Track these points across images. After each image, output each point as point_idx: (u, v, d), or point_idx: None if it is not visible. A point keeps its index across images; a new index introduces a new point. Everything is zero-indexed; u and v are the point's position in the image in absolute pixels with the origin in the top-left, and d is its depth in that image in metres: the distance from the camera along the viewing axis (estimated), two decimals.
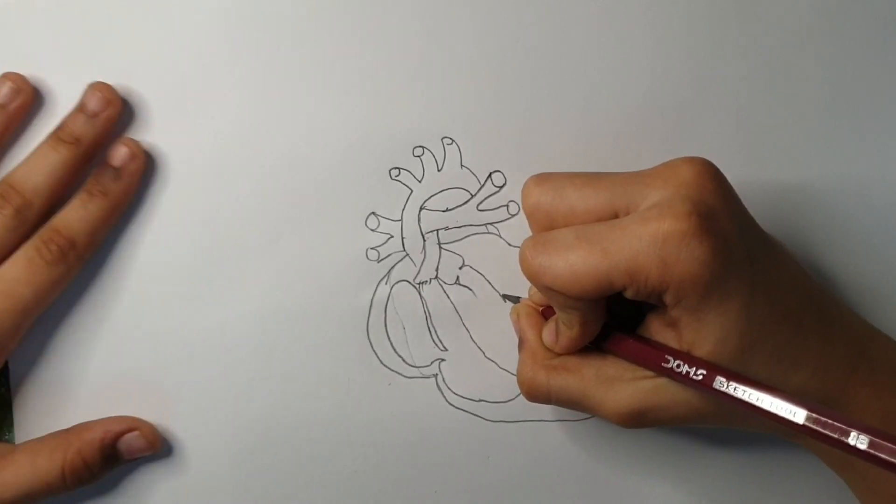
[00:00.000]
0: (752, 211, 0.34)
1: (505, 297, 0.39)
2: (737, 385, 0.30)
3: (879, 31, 0.39)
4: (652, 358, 0.33)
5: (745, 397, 0.30)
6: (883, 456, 0.26)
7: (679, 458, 0.40)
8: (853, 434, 0.27)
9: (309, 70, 0.38)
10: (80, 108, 0.36)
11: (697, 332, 0.32)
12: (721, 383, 0.30)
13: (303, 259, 0.39)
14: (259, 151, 0.38)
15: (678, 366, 0.32)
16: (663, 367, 0.32)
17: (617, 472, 0.40)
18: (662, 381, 0.33)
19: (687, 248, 0.30)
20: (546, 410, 0.39)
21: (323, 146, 0.39)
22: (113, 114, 0.36)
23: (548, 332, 0.36)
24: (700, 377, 0.31)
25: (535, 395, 0.36)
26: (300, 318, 0.39)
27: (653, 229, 0.30)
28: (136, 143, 0.37)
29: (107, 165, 0.37)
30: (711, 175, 0.32)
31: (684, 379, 0.31)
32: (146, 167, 0.38)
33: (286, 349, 0.39)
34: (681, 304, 0.31)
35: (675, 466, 0.40)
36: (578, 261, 0.31)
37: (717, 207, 0.31)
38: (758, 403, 0.30)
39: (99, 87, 0.36)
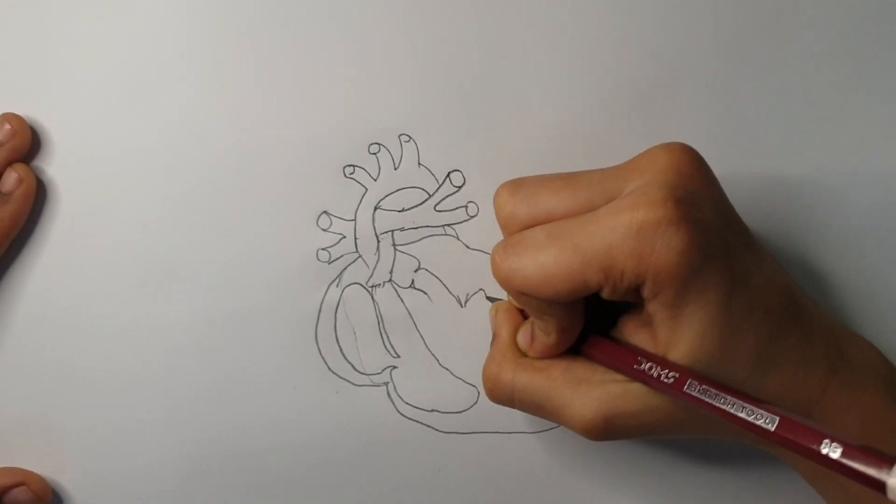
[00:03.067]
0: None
1: (489, 298, 0.37)
2: (708, 389, 0.29)
3: (864, 25, 0.38)
4: (624, 359, 0.31)
5: (717, 403, 0.28)
6: (855, 466, 0.25)
7: (643, 471, 0.38)
8: (825, 443, 0.26)
9: (261, 63, 0.37)
10: None
11: (674, 331, 0.30)
12: (692, 387, 0.29)
13: (250, 258, 0.37)
14: (208, 145, 0.37)
15: (650, 368, 0.30)
16: (635, 370, 0.30)
17: (575, 487, 0.38)
18: (633, 386, 0.31)
19: (662, 237, 0.28)
20: (501, 422, 0.37)
21: (274, 141, 0.37)
22: (19, 144, 0.37)
23: (523, 333, 0.34)
24: (671, 380, 0.29)
25: (498, 392, 0.33)
26: (245, 320, 0.37)
27: (626, 219, 0.29)
28: (26, 168, 0.37)
29: None
30: (690, 159, 0.30)
31: (656, 383, 0.30)
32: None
33: (229, 352, 0.37)
34: (657, 297, 0.29)
35: (638, 480, 0.38)
36: (549, 260, 0.29)
37: (696, 193, 0.30)
38: (730, 410, 0.28)
39: (8, 118, 0.37)
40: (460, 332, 0.37)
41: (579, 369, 0.32)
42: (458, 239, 0.38)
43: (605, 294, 0.30)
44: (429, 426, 0.38)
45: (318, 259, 0.37)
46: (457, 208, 0.38)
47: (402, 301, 0.38)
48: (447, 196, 0.38)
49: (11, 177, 0.36)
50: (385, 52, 0.37)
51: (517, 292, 0.31)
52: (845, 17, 0.38)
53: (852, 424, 0.31)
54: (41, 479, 0.37)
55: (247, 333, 0.37)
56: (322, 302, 0.37)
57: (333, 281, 0.38)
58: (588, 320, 0.33)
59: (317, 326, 0.37)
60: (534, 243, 0.30)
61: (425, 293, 0.38)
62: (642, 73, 0.38)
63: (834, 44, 0.38)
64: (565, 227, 0.30)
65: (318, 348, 0.37)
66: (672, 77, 0.38)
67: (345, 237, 0.38)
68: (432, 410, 0.38)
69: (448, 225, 0.38)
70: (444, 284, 0.38)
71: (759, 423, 0.27)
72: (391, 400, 0.38)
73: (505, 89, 0.37)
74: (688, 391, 0.29)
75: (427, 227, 0.38)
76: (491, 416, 0.37)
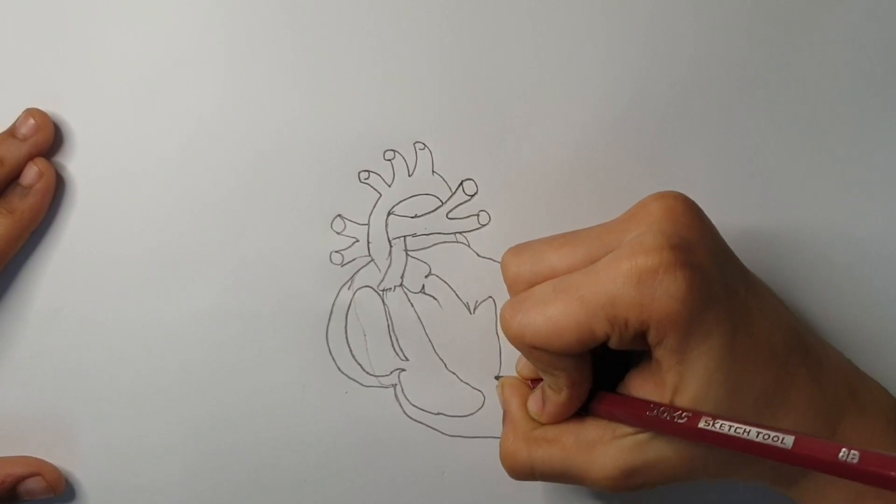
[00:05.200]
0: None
1: (497, 377, 0.38)
2: (722, 422, 0.29)
3: (867, 70, 0.38)
4: (635, 409, 0.31)
5: (733, 433, 0.29)
6: (875, 469, 0.26)
7: None
8: (843, 451, 0.26)
9: (280, 68, 0.38)
10: (11, 131, 0.37)
11: (681, 376, 0.30)
12: (707, 423, 0.29)
13: (264, 258, 0.38)
14: (226, 146, 0.38)
15: (662, 412, 0.30)
16: (647, 417, 0.31)
17: (577, 493, 0.39)
18: (646, 437, 0.31)
19: (661, 284, 0.29)
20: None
21: (291, 144, 0.38)
22: (41, 139, 0.37)
23: (533, 400, 0.34)
24: (685, 420, 0.30)
25: (518, 471, 0.34)
26: (257, 319, 0.38)
27: (626, 268, 0.29)
28: (46, 162, 0.37)
29: (16, 184, 0.37)
30: (684, 207, 0.31)
31: (669, 426, 0.30)
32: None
33: (240, 350, 0.38)
34: (662, 344, 0.30)
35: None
36: (557, 313, 0.30)
37: (691, 239, 0.30)
38: (746, 437, 0.28)
39: (32, 113, 0.37)
40: (468, 338, 0.38)
41: (590, 432, 0.33)
42: (469, 247, 0.38)
43: (613, 343, 0.30)
44: (434, 429, 0.38)
45: (331, 261, 0.38)
46: (468, 216, 0.38)
47: (412, 305, 0.38)
48: (460, 204, 0.38)
49: (32, 170, 0.37)
50: (403, 60, 0.38)
51: (529, 347, 0.31)
52: (850, 62, 0.38)
53: None
54: (55, 470, 0.37)
55: (259, 332, 0.38)
56: (334, 303, 0.38)
57: (345, 283, 0.38)
58: (595, 379, 0.33)
59: (328, 327, 0.38)
60: (541, 298, 0.31)
61: (435, 298, 0.38)
62: (655, 90, 0.38)
63: (833, 96, 0.38)
64: (570, 280, 0.31)
65: (329, 349, 0.38)
66: (684, 98, 0.38)
67: (358, 241, 0.38)
68: (438, 413, 0.38)
69: (459, 233, 0.38)
70: (453, 290, 0.38)
71: (776, 444, 0.28)
72: (398, 401, 0.38)
73: (520, 101, 0.38)
74: (702, 427, 0.29)
75: (439, 233, 0.38)
76: (496, 421, 0.38)
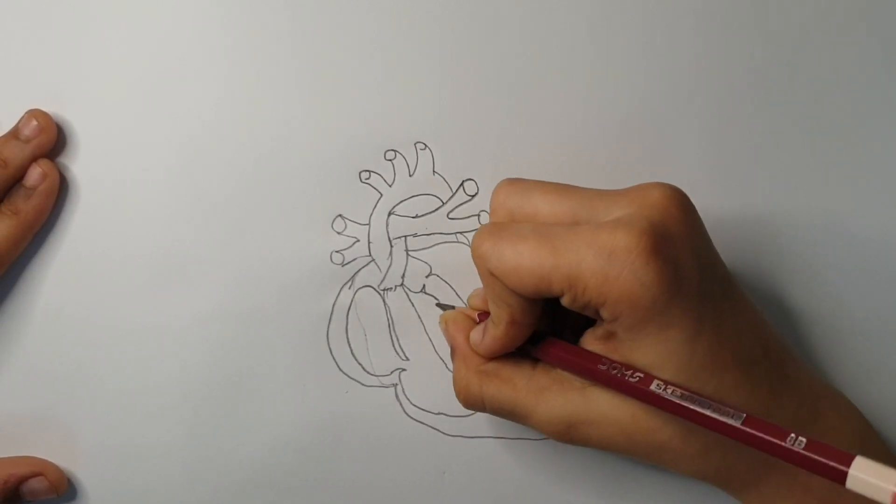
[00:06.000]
0: (718, 241, 0.33)
1: (439, 305, 0.38)
2: (675, 388, 0.29)
3: (861, 69, 0.38)
4: (588, 361, 0.31)
5: (683, 401, 0.29)
6: (818, 458, 0.26)
7: (645, 479, 0.39)
8: (791, 436, 0.26)
9: (281, 69, 0.38)
10: (14, 132, 0.37)
11: (633, 351, 0.31)
12: (659, 386, 0.29)
13: (264, 259, 0.38)
14: (227, 146, 0.38)
15: (614, 368, 0.30)
16: (599, 370, 0.31)
17: (577, 495, 0.39)
18: (594, 393, 0.32)
19: (631, 266, 0.29)
20: (506, 427, 0.38)
21: (292, 145, 0.38)
22: (45, 140, 0.37)
23: (476, 332, 0.35)
24: (636, 379, 0.30)
25: (470, 402, 0.35)
26: (258, 319, 0.38)
27: (603, 240, 0.29)
28: (50, 164, 0.37)
29: (20, 186, 0.37)
30: (679, 202, 0.31)
31: (620, 383, 0.30)
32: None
33: (241, 350, 0.38)
34: (618, 321, 0.30)
35: (641, 488, 0.39)
36: (526, 251, 0.30)
37: (676, 234, 0.30)
38: (698, 409, 0.28)
39: (35, 115, 0.37)
40: None
41: (543, 378, 0.33)
42: (470, 247, 0.38)
43: (565, 302, 0.31)
44: (435, 429, 0.38)
45: (332, 261, 0.38)
46: (469, 216, 0.38)
47: (413, 305, 0.38)
48: (460, 204, 0.38)
49: (36, 171, 0.37)
50: (404, 61, 0.38)
51: (488, 272, 0.32)
52: (844, 60, 0.38)
53: (816, 485, 0.31)
54: (58, 470, 0.38)
55: (259, 332, 0.38)
56: (334, 303, 0.38)
57: (346, 283, 0.38)
58: (554, 328, 0.34)
59: (328, 327, 0.38)
60: (518, 233, 0.31)
61: (436, 298, 0.38)
62: (656, 90, 0.38)
63: (834, 95, 0.38)
64: (551, 229, 0.31)
65: (329, 349, 0.38)
66: (684, 99, 0.38)
67: (358, 241, 0.38)
68: (439, 413, 0.38)
69: (460, 233, 0.38)
70: (454, 290, 0.38)
71: (725, 420, 0.28)
72: (399, 401, 0.38)
73: (520, 101, 0.38)
74: (653, 390, 0.29)
75: (440, 233, 0.38)
76: (496, 422, 0.38)
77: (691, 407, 0.29)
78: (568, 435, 0.33)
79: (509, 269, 0.31)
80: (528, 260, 0.30)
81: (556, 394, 0.33)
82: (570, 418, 0.32)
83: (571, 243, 0.30)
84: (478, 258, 0.32)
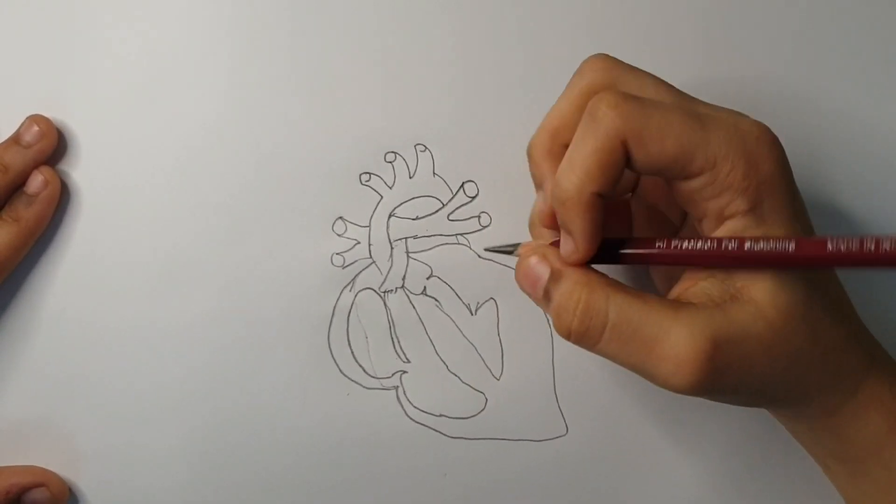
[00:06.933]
0: None
1: (491, 249, 0.36)
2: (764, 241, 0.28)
3: (868, 70, 0.38)
4: (688, 248, 0.29)
5: (758, 246, 0.28)
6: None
7: (647, 481, 0.39)
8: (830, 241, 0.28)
9: (281, 71, 0.38)
10: (15, 138, 0.37)
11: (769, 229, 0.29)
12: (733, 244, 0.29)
13: (266, 261, 0.38)
14: (228, 150, 0.38)
15: (711, 243, 0.29)
16: (724, 251, 0.29)
17: (578, 495, 0.39)
18: (734, 308, 0.29)
19: (776, 153, 0.29)
20: (508, 429, 0.38)
21: (292, 147, 0.38)
22: (46, 146, 0.37)
23: (564, 241, 0.31)
24: (735, 245, 0.29)
25: (587, 323, 0.30)
26: (259, 322, 0.38)
27: (746, 125, 0.29)
28: (51, 171, 0.37)
29: (21, 192, 0.37)
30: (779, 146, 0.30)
31: (721, 256, 0.29)
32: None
33: (242, 352, 0.38)
34: (754, 211, 0.29)
35: (642, 490, 0.39)
36: (676, 120, 0.28)
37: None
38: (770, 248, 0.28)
39: (36, 120, 0.37)
40: (470, 340, 0.38)
41: (673, 299, 0.30)
42: (471, 248, 0.38)
43: (694, 185, 0.29)
44: (437, 431, 0.38)
45: (333, 263, 0.38)
46: (469, 218, 0.38)
47: (414, 307, 0.38)
48: (461, 206, 0.38)
49: (37, 179, 0.37)
50: (404, 63, 0.38)
51: (618, 133, 0.28)
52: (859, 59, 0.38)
53: (881, 420, 0.31)
54: (60, 481, 0.38)
55: (260, 335, 0.38)
56: (335, 306, 0.38)
57: (347, 285, 0.38)
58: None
59: (329, 330, 0.38)
60: (661, 104, 0.29)
61: (436, 300, 0.38)
62: None
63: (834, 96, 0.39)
64: (695, 106, 0.29)
65: (331, 351, 0.38)
66: None
67: (359, 243, 0.38)
68: (440, 415, 0.38)
69: (461, 234, 0.38)
70: (455, 292, 0.38)
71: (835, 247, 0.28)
72: (400, 404, 0.38)
73: (520, 102, 0.38)
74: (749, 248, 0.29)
75: (440, 235, 0.38)
76: (497, 423, 0.38)
77: (766, 249, 0.28)
78: (711, 359, 0.28)
79: (653, 133, 0.28)
80: (677, 128, 0.28)
81: (696, 308, 0.29)
82: (715, 335, 0.28)
83: (722, 122, 0.29)
84: (623, 113, 0.28)
